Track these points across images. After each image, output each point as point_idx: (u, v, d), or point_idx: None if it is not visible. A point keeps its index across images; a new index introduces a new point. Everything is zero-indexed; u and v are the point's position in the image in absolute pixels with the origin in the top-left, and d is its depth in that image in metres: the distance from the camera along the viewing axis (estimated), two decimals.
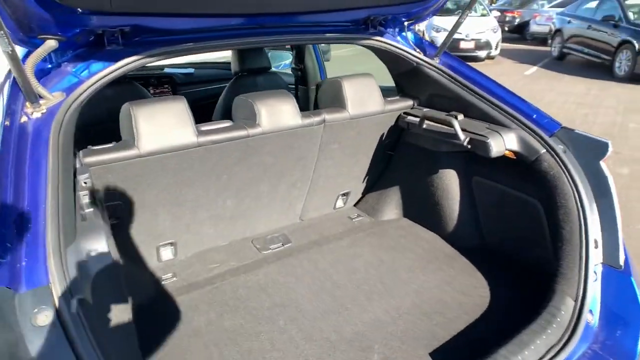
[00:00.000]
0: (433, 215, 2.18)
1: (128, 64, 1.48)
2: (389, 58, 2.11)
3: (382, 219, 2.39)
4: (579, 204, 1.55)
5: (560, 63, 10.52)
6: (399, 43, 2.02)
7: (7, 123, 1.27)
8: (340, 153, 2.14)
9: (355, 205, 2.56)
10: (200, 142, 1.67)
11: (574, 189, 1.57)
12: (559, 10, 11.78)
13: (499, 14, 13.97)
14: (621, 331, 1.42)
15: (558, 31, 10.89)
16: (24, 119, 1.29)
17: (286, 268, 1.94)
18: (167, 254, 2.00)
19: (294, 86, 3.47)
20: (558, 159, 1.63)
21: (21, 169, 1.11)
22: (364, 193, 2.53)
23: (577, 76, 9.00)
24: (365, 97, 2.03)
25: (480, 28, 10.48)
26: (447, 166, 2.09)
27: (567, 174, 1.60)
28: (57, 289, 0.89)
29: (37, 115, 1.31)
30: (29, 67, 1.24)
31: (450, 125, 1.85)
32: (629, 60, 8.42)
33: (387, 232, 2.22)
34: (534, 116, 1.80)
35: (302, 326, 1.60)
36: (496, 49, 10.75)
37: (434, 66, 2.01)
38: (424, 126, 2.01)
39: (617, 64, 8.72)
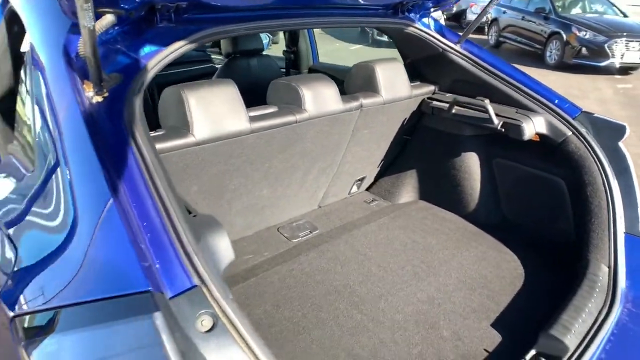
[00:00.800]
0: (453, 196, 2.28)
1: (186, 44, 1.38)
2: (413, 43, 2.14)
3: (398, 202, 2.45)
4: (605, 182, 1.71)
5: (497, 51, 11.25)
6: (427, 29, 2.06)
7: (65, 111, 1.13)
8: (368, 138, 2.15)
9: (367, 189, 2.59)
10: (253, 129, 1.60)
11: (600, 167, 1.74)
12: None
13: None
14: None
15: (494, 21, 11.62)
16: (86, 104, 1.15)
17: (326, 254, 1.93)
18: None
19: (284, 70, 3.39)
20: (584, 141, 1.79)
21: (114, 164, 0.99)
22: (377, 177, 2.57)
23: (514, 64, 9.64)
24: (395, 81, 2.05)
25: None
26: (469, 149, 2.19)
27: (593, 154, 1.76)
28: (210, 291, 0.83)
29: (98, 99, 1.17)
30: None
31: (483, 109, 1.93)
32: (558, 50, 9.26)
33: (410, 214, 2.28)
34: (556, 101, 1.94)
35: (364, 310, 1.62)
36: None
37: (459, 52, 2.08)
38: (453, 111, 2.08)
39: (548, 53, 9.54)
